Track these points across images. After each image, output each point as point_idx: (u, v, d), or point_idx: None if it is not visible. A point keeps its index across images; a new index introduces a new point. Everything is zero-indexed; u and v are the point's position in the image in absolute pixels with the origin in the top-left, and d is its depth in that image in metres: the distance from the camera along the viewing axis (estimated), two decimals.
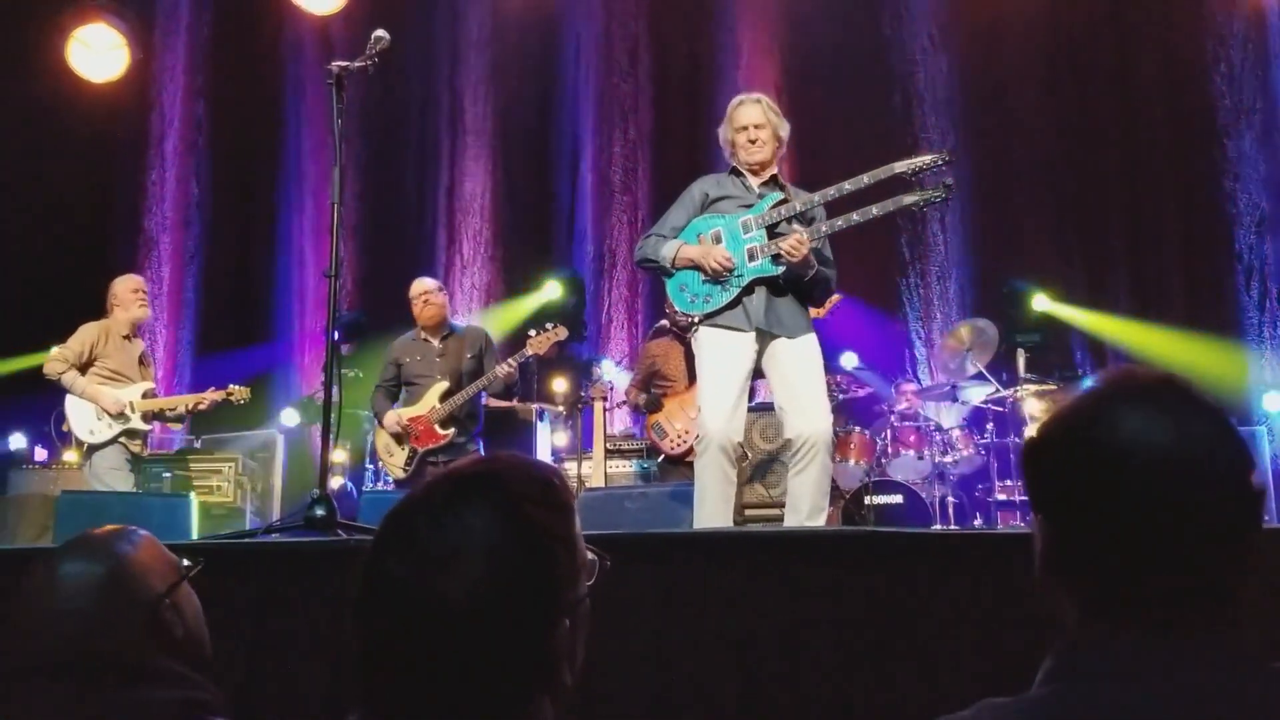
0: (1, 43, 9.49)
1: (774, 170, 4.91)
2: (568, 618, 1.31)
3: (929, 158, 4.74)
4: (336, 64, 4.39)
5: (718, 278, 4.67)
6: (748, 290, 4.67)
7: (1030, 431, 7.91)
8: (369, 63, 4.43)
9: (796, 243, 4.56)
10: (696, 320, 4.75)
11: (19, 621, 1.78)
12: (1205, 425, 1.28)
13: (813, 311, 6.21)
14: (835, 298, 7.04)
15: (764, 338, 4.69)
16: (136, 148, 11.09)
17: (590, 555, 1.39)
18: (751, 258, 4.68)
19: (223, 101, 11.21)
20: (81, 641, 1.71)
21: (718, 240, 4.75)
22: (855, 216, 4.69)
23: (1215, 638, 1.23)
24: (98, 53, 9.62)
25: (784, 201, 4.77)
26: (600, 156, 11.02)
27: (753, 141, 4.81)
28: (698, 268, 4.73)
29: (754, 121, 4.82)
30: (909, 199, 4.73)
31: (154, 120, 11.11)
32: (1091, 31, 10.30)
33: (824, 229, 4.71)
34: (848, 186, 4.71)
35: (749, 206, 4.80)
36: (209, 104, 11.22)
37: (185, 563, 1.94)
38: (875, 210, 4.69)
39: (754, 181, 4.88)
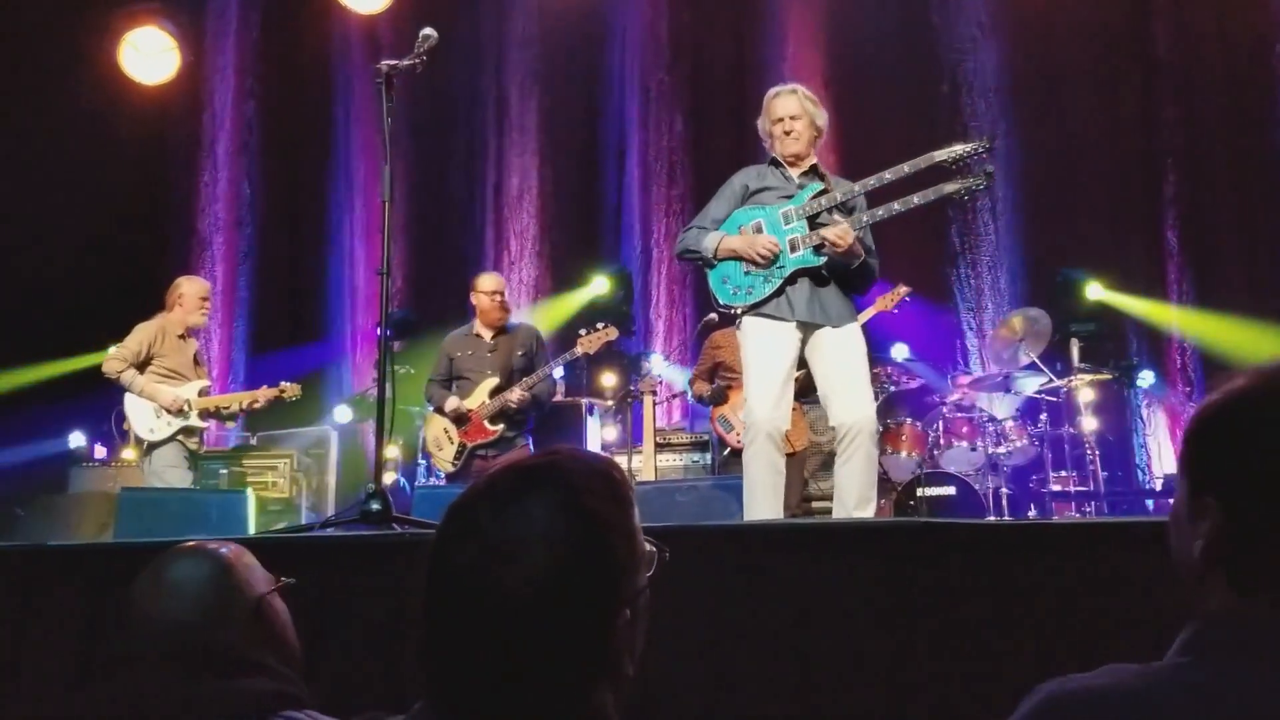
0: (55, 48, 9.64)
1: (813, 160, 4.89)
2: (628, 608, 1.32)
3: (969, 146, 4.71)
4: (385, 63, 4.42)
5: (762, 266, 4.66)
6: (790, 280, 4.66)
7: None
8: (417, 61, 4.45)
9: (841, 233, 4.54)
10: (740, 311, 4.74)
11: (135, 612, 1.94)
12: None
13: (880, 305, 6.15)
14: (903, 290, 7.02)
15: (807, 328, 4.67)
16: (189, 149, 11.23)
17: (649, 547, 1.39)
18: (793, 248, 4.66)
19: (273, 102, 11.33)
20: (191, 633, 1.87)
21: (759, 231, 4.73)
22: (896, 206, 4.66)
23: None
24: (149, 56, 9.75)
25: (824, 192, 4.74)
26: (646, 151, 11.02)
27: (788, 133, 4.79)
28: (740, 258, 4.73)
29: (790, 113, 4.80)
30: (950, 187, 4.69)
31: (206, 122, 11.24)
32: (1146, 17, 10.16)
33: (865, 218, 4.69)
34: (888, 176, 4.69)
35: (789, 197, 4.78)
36: (259, 105, 11.34)
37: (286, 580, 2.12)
38: (916, 199, 4.66)
39: (794, 172, 4.85)
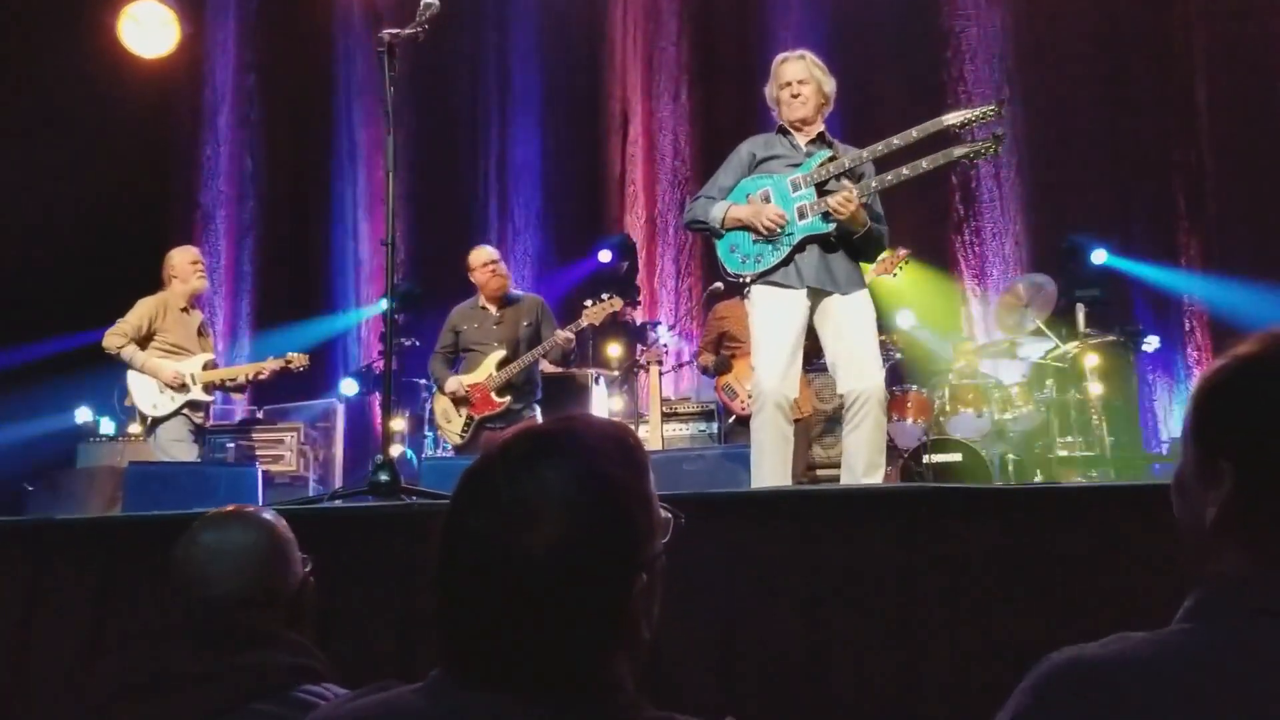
0: (54, 21, 9.59)
1: (820, 127, 4.85)
2: (645, 573, 1.31)
3: (978, 110, 4.66)
4: (387, 31, 4.39)
5: (770, 236, 4.65)
6: (799, 248, 4.64)
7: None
8: (419, 29, 4.43)
9: (845, 198, 4.52)
10: (748, 280, 4.73)
11: (184, 582, 1.95)
12: None
13: (879, 269, 6.14)
14: (903, 253, 6.99)
15: (816, 295, 4.66)
16: (190, 123, 11.20)
17: (664, 513, 1.39)
18: (801, 215, 4.65)
19: (274, 74, 11.28)
20: (228, 606, 1.89)
21: (766, 200, 4.72)
22: (905, 171, 4.62)
23: None
24: (149, 29, 9.67)
25: (832, 159, 4.72)
26: (650, 121, 10.99)
27: (795, 97, 4.75)
28: (748, 228, 4.71)
29: (797, 77, 4.76)
30: (958, 151, 4.65)
31: (206, 95, 11.20)
32: None
33: (874, 185, 4.65)
34: (896, 141, 4.64)
35: (797, 165, 4.75)
36: (260, 77, 11.30)
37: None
38: (925, 164, 4.62)
39: (801, 139, 4.83)
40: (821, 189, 4.69)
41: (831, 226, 4.63)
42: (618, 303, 6.97)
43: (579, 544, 1.25)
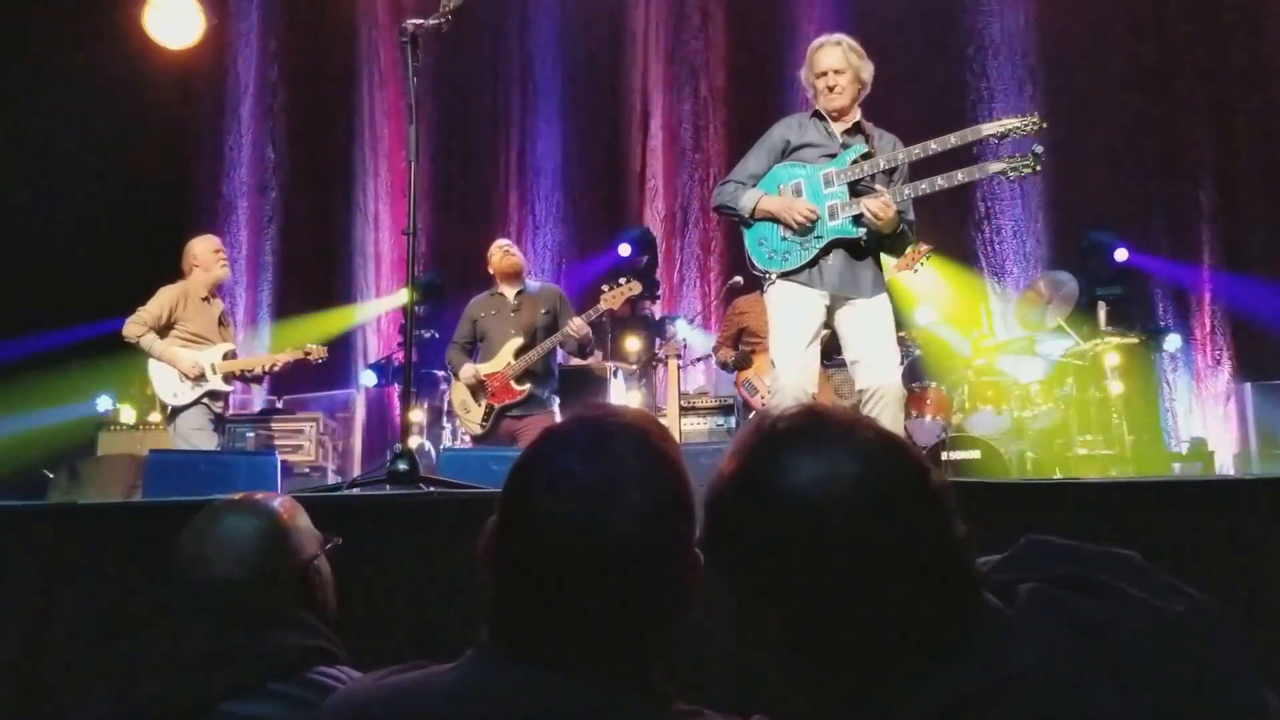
0: (80, 11, 9.64)
1: (856, 115, 4.80)
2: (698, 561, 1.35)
3: (1018, 121, 4.59)
4: (411, 22, 4.39)
5: (800, 231, 4.63)
6: (825, 251, 4.62)
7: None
8: (442, 21, 4.42)
9: (883, 205, 4.49)
10: (774, 277, 4.71)
11: (180, 561, 1.97)
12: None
13: (902, 264, 6.15)
14: (924, 248, 6.96)
15: (836, 299, 4.66)
16: (213, 113, 11.24)
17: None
18: (832, 215, 4.62)
19: (297, 65, 11.32)
20: (235, 589, 1.90)
21: (798, 193, 4.69)
22: (941, 181, 4.56)
23: None
24: (173, 20, 9.71)
25: (868, 155, 4.67)
26: (671, 115, 10.99)
27: (831, 88, 4.70)
28: (778, 221, 4.69)
29: (834, 66, 4.70)
30: (995, 167, 4.59)
31: (230, 85, 11.23)
32: None
33: (907, 191, 4.60)
34: (934, 146, 4.58)
35: (831, 156, 4.71)
36: (283, 68, 11.33)
37: (335, 540, 2.15)
38: (961, 176, 4.56)
39: (836, 128, 4.77)
40: (854, 187, 4.65)
41: (862, 232, 4.61)
42: (636, 286, 6.96)
43: (657, 515, 1.30)
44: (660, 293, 10.43)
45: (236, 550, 1.94)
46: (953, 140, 4.57)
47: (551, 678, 1.27)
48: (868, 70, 4.77)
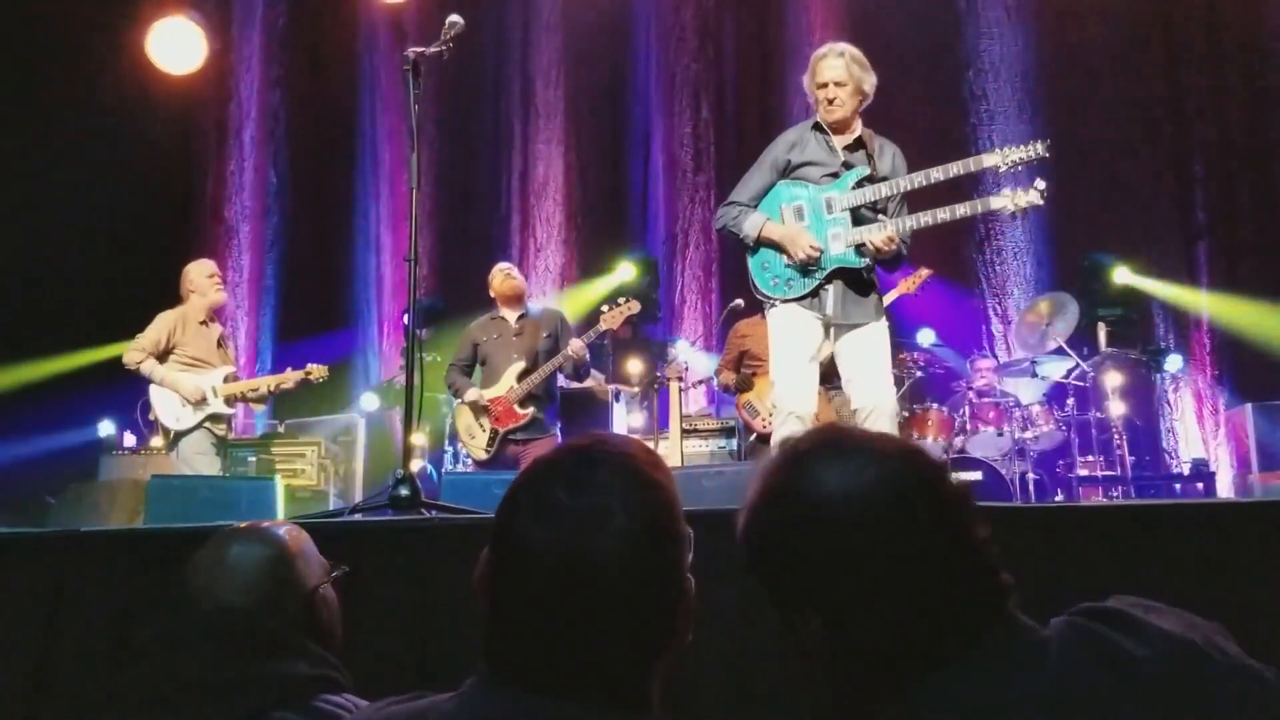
0: (82, 38, 9.69)
1: (858, 130, 4.78)
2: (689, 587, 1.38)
3: (1021, 151, 4.57)
4: (413, 50, 4.42)
5: (803, 267, 4.64)
6: (827, 280, 4.64)
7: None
8: (444, 48, 4.45)
9: (887, 239, 4.52)
10: (777, 303, 4.73)
11: (188, 589, 1.97)
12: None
13: (903, 286, 6.12)
14: (925, 272, 6.98)
15: (838, 326, 4.69)
16: (216, 138, 11.26)
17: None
18: (835, 241, 4.64)
19: (299, 90, 11.35)
20: (240, 617, 1.90)
21: (799, 215, 4.70)
22: (942, 215, 4.56)
23: None
24: (176, 45, 9.76)
25: (869, 178, 4.67)
26: (672, 137, 11.02)
27: (831, 101, 4.67)
28: (782, 249, 4.70)
29: (835, 78, 4.67)
30: (997, 203, 4.59)
31: (232, 111, 11.26)
32: (1176, 3, 10.08)
33: (910, 224, 4.60)
34: (936, 175, 4.58)
35: (834, 176, 4.71)
36: (285, 93, 11.36)
37: (341, 569, 2.15)
38: (963, 210, 4.57)
39: (838, 142, 4.76)
40: (856, 214, 4.66)
41: (864, 262, 4.63)
42: (635, 305, 6.99)
43: (644, 545, 1.30)
44: (661, 315, 10.45)
45: (244, 578, 1.95)
46: (955, 170, 4.58)
47: (550, 705, 1.27)
48: (870, 81, 4.74)
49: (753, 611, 2.88)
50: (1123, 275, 9.54)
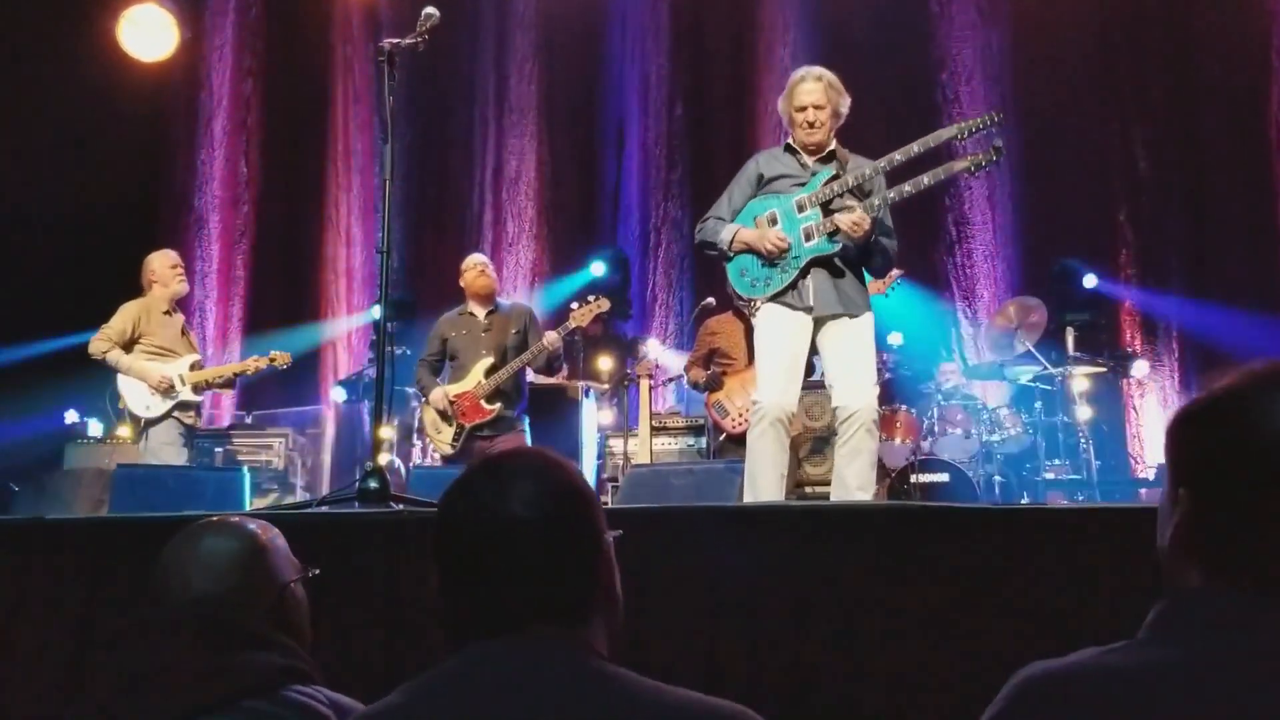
0: (53, 23, 9.60)
1: (831, 146, 4.87)
2: (606, 545, 1.57)
3: (978, 121, 4.74)
4: (388, 41, 4.41)
5: (773, 259, 4.68)
6: (805, 271, 4.69)
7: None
8: (419, 40, 4.45)
9: (857, 220, 4.56)
10: (758, 304, 4.77)
11: (159, 579, 1.99)
12: None
13: (873, 288, 6.21)
14: (895, 274, 7.02)
15: (821, 318, 4.72)
16: (186, 127, 11.17)
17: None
18: (808, 237, 4.69)
19: (271, 81, 11.28)
20: (212, 608, 1.92)
21: (773, 222, 4.76)
22: (907, 188, 4.68)
23: None
24: (148, 32, 9.69)
25: (836, 177, 4.74)
26: (645, 135, 11.02)
27: (810, 124, 4.77)
28: (754, 251, 4.75)
29: (814, 102, 4.76)
30: (959, 165, 4.73)
31: (203, 100, 11.17)
32: (1146, 5, 10.16)
33: (878, 201, 4.69)
34: (898, 157, 4.71)
35: (803, 185, 4.79)
36: (258, 83, 11.28)
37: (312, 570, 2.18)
38: (926, 179, 4.69)
39: (809, 159, 4.86)
40: (827, 208, 4.72)
41: (837, 247, 4.68)
42: (604, 303, 7.01)
43: (552, 498, 1.51)
44: (632, 312, 10.46)
45: (215, 570, 1.95)
46: (915, 148, 4.70)
47: (510, 640, 1.45)
48: (845, 104, 4.86)
49: (721, 606, 2.89)
50: (1091, 281, 9.60)
